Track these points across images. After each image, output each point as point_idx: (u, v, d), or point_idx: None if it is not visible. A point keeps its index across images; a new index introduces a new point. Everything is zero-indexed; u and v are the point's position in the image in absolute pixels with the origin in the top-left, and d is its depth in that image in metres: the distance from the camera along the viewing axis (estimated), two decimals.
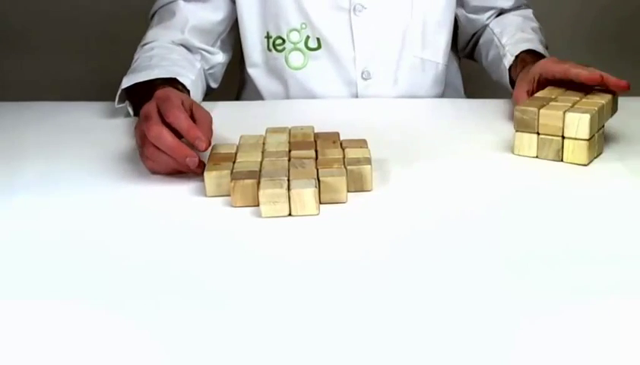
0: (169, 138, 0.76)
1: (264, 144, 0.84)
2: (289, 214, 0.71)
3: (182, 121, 0.76)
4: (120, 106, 1.00)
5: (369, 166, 0.76)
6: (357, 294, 0.58)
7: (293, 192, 0.71)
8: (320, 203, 0.72)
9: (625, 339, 0.52)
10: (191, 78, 1.01)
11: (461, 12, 1.17)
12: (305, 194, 0.71)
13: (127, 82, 0.97)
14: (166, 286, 0.60)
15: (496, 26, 1.14)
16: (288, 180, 0.73)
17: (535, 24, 1.15)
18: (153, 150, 0.77)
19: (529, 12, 1.18)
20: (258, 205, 0.71)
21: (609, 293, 0.57)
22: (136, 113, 0.94)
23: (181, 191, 0.78)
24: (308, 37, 1.09)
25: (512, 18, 1.15)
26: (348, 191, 0.75)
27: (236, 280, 0.61)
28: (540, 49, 1.05)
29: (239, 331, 0.54)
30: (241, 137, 0.85)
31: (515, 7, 1.18)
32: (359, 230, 0.69)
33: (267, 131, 0.87)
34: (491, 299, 0.57)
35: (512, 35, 1.10)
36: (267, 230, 0.69)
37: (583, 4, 1.73)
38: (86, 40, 1.74)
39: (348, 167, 0.76)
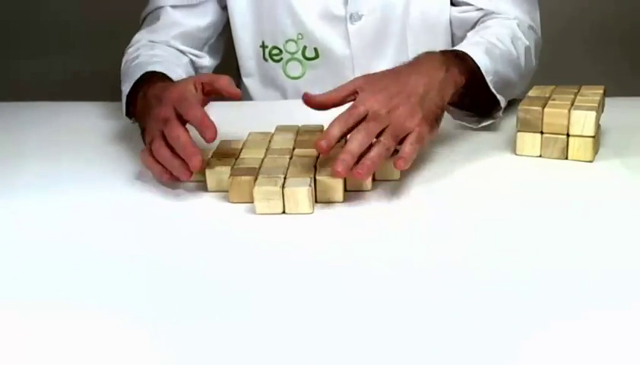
0: (185, 138, 0.74)
1: (270, 141, 0.83)
2: (284, 212, 0.70)
3: (197, 114, 0.74)
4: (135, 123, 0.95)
5: None
6: (356, 294, 0.57)
7: (286, 189, 0.70)
8: (316, 202, 0.71)
9: (624, 338, 0.51)
10: (180, 74, 0.95)
11: (453, 14, 1.07)
12: (298, 192, 0.70)
13: (126, 88, 0.93)
14: (161, 281, 0.60)
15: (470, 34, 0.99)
16: (284, 178, 0.72)
17: (507, 31, 0.96)
18: (164, 150, 0.75)
19: (513, 23, 0.99)
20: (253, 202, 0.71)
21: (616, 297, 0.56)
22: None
23: (183, 186, 0.77)
24: (305, 47, 1.08)
25: (489, 24, 1.00)
26: (347, 190, 0.74)
27: (228, 275, 0.60)
28: (469, 51, 0.87)
29: (232, 326, 0.53)
30: (249, 134, 0.85)
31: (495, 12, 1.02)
32: (353, 229, 0.68)
33: (276, 129, 0.86)
34: (492, 299, 0.56)
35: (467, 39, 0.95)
36: (260, 227, 0.69)
37: (585, 4, 1.72)
38: (87, 40, 1.75)
39: None
